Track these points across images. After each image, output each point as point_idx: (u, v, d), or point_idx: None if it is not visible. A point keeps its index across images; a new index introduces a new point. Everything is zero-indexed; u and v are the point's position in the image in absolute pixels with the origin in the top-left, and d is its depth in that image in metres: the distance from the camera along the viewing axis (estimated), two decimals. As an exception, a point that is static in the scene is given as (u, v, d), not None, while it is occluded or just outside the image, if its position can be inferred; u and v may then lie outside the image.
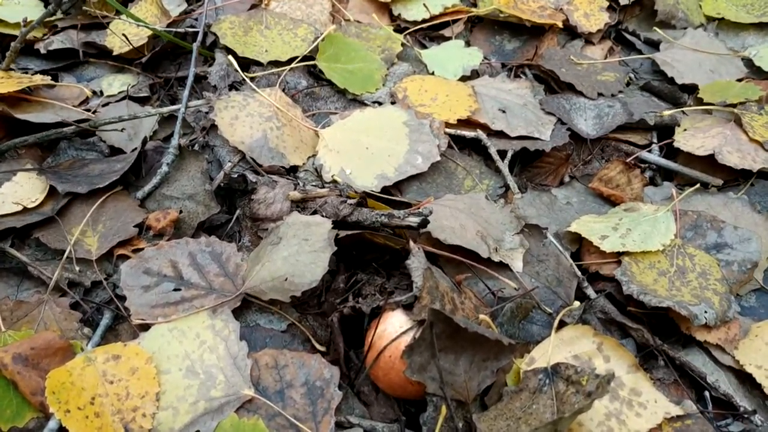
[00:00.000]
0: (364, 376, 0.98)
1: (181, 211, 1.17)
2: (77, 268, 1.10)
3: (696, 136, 1.36)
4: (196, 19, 1.55)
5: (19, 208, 1.16)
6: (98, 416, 0.90)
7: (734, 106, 1.42)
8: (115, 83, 1.47)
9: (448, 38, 1.63)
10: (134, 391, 0.92)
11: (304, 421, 0.92)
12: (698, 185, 1.27)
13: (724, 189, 1.31)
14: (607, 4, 1.74)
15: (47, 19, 1.53)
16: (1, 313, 1.02)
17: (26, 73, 1.46)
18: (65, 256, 1.09)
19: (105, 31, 1.54)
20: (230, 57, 1.37)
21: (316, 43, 1.46)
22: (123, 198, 1.20)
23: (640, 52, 1.67)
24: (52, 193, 1.19)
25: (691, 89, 1.53)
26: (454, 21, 1.66)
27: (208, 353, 0.97)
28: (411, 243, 1.02)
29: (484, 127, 1.37)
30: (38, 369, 0.95)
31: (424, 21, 1.64)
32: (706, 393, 1.03)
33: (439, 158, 1.27)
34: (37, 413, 0.93)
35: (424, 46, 1.61)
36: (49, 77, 1.42)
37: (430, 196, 1.20)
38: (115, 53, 1.50)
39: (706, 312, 1.06)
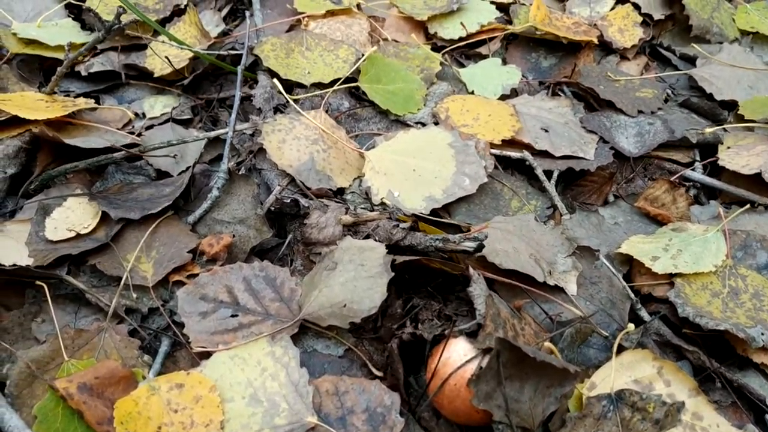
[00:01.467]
0: (427, 403, 0.98)
1: (233, 236, 1.18)
2: (134, 295, 1.10)
3: (740, 154, 1.36)
4: (239, 42, 1.56)
5: (73, 234, 1.17)
6: (165, 445, 0.91)
7: (776, 123, 1.43)
8: (157, 105, 1.48)
9: (485, 56, 1.63)
10: (199, 420, 0.93)
11: (369, 449, 0.92)
12: (749, 205, 1.27)
13: (770, 208, 1.32)
14: (641, 19, 1.75)
15: (85, 41, 1.54)
16: (63, 341, 1.02)
17: (68, 95, 1.48)
18: (122, 282, 1.10)
19: (144, 53, 1.55)
20: (275, 80, 1.38)
21: (357, 65, 1.47)
22: (175, 223, 1.20)
23: (675, 68, 1.68)
24: (103, 218, 1.20)
25: (731, 106, 1.53)
26: (491, 39, 1.67)
27: (270, 381, 0.98)
28: (471, 269, 1.03)
29: (528, 147, 1.38)
30: (103, 398, 0.96)
31: (461, 39, 1.64)
32: (767, 416, 1.03)
33: (486, 180, 1.27)
34: (103, 442, 0.94)
35: (461, 65, 1.61)
36: (92, 100, 1.43)
37: (486, 222, 1.20)
38: (156, 75, 1.50)
39: (762, 334, 1.06)
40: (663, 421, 0.86)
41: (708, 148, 1.44)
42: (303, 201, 1.20)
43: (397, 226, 1.13)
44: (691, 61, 1.67)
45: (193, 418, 0.93)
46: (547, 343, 0.96)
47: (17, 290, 1.11)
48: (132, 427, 0.91)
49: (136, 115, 1.47)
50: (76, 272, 1.14)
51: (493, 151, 1.35)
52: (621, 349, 1.04)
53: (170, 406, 0.94)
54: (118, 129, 1.40)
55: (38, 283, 1.09)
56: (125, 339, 1.05)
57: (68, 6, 1.69)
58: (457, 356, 0.95)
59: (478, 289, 0.99)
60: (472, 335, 0.96)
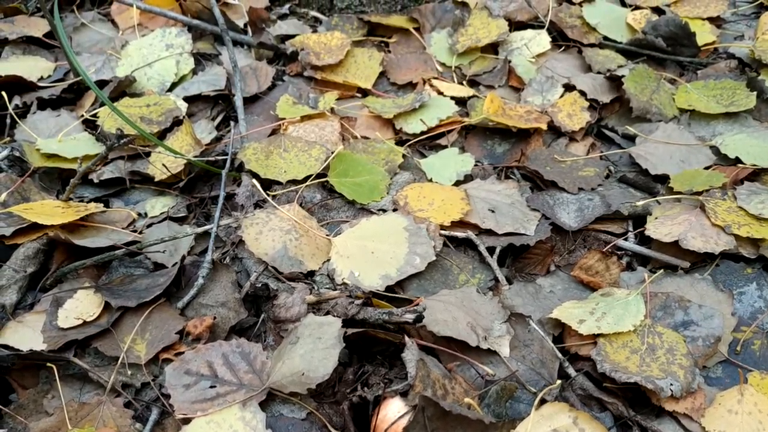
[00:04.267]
0: (372, 456, 1.15)
1: (215, 318, 1.38)
2: (129, 372, 1.30)
3: (664, 224, 1.53)
4: (226, 146, 1.80)
5: (80, 321, 1.37)
6: (149, 499, 1.08)
7: (700, 193, 1.59)
8: (158, 205, 1.71)
9: (445, 146, 1.84)
10: (178, 477, 1.10)
11: (322, 497, 1.08)
12: (662, 270, 1.43)
13: (692, 270, 1.47)
14: (588, 104, 1.95)
15: (99, 151, 1.79)
16: (68, 413, 1.22)
17: (82, 200, 1.71)
18: (119, 362, 1.30)
19: (147, 160, 1.79)
20: (254, 180, 1.60)
21: (327, 162, 1.69)
22: (166, 308, 1.41)
23: (619, 147, 1.86)
24: (107, 307, 1.40)
25: (664, 179, 1.70)
26: (449, 131, 1.88)
27: (240, 441, 1.15)
28: (406, 337, 1.21)
29: (475, 227, 1.56)
30: (99, 461, 1.14)
31: (423, 133, 1.86)
32: (675, 459, 1.16)
33: (434, 258, 1.45)
34: (99, 499, 1.12)
35: (423, 156, 1.82)
36: (102, 204, 1.67)
37: (423, 295, 1.38)
38: (156, 179, 1.74)
39: (672, 385, 1.21)
40: (563, 462, 1.02)
41: (641, 219, 1.60)
42: (272, 284, 1.39)
43: (353, 302, 1.32)
44: (632, 139, 1.85)
45: (174, 475, 1.11)
46: (467, 399, 1.12)
47: (33, 372, 1.32)
48: (121, 484, 1.09)
49: (139, 215, 1.69)
50: (82, 354, 1.34)
51: (444, 232, 1.54)
52: (545, 402, 1.20)
53: (154, 465, 1.12)
54: (123, 228, 1.62)
55: (49, 365, 1.30)
56: (121, 410, 1.24)
57: (85, 121, 1.95)
58: (392, 413, 1.12)
59: (409, 354, 1.16)
60: (405, 395, 1.13)
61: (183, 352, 1.30)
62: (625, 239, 1.57)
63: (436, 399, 1.05)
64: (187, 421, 1.19)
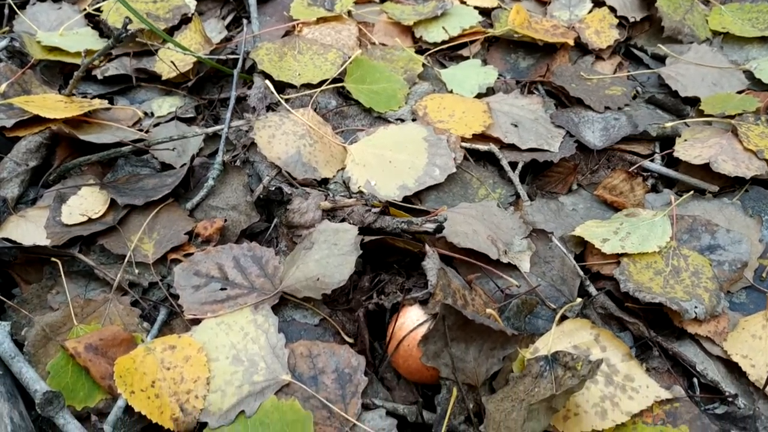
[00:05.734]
0: (387, 364, 1.12)
1: (225, 220, 1.32)
2: (136, 271, 1.26)
3: (694, 146, 1.47)
4: (237, 46, 1.71)
5: (85, 218, 1.32)
6: (158, 397, 1.05)
7: (732, 117, 1.53)
8: (164, 105, 1.64)
9: (467, 58, 1.76)
10: (188, 376, 1.07)
11: (335, 403, 1.05)
12: (692, 192, 1.38)
13: (721, 195, 1.42)
14: (617, 21, 1.85)
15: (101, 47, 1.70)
16: (74, 309, 1.18)
17: (85, 97, 1.64)
18: (126, 260, 1.25)
19: (154, 58, 1.71)
20: (267, 81, 1.52)
21: (344, 67, 1.61)
22: (174, 209, 1.35)
23: (648, 67, 1.78)
24: (112, 205, 1.35)
25: (694, 102, 1.64)
26: (472, 41, 1.79)
27: (251, 344, 1.12)
28: (426, 246, 1.16)
29: (498, 141, 1.50)
30: (106, 357, 1.11)
31: (444, 42, 1.77)
32: (695, 380, 1.14)
33: (454, 170, 1.40)
34: (106, 395, 1.09)
35: (443, 66, 1.74)
36: (106, 101, 1.59)
37: (444, 205, 1.33)
38: (163, 78, 1.66)
39: (696, 307, 1.17)
40: (587, 376, 0.98)
41: (668, 141, 1.55)
42: (287, 189, 1.34)
43: (370, 210, 1.27)
44: (662, 60, 1.78)
45: (183, 374, 1.08)
46: (489, 310, 1.08)
47: (36, 267, 1.28)
48: (129, 381, 1.06)
49: (146, 114, 1.62)
50: (87, 251, 1.30)
51: (464, 144, 1.48)
52: (565, 319, 1.16)
53: (163, 364, 1.09)
54: (128, 127, 1.56)
55: (54, 260, 1.25)
56: (128, 308, 1.20)
57: (87, 16, 1.85)
58: (411, 321, 1.08)
59: (430, 263, 1.12)
60: (424, 303, 1.09)
61: (192, 254, 1.26)
62: (652, 161, 1.51)
63: (458, 308, 1.01)
64: (196, 322, 1.16)
